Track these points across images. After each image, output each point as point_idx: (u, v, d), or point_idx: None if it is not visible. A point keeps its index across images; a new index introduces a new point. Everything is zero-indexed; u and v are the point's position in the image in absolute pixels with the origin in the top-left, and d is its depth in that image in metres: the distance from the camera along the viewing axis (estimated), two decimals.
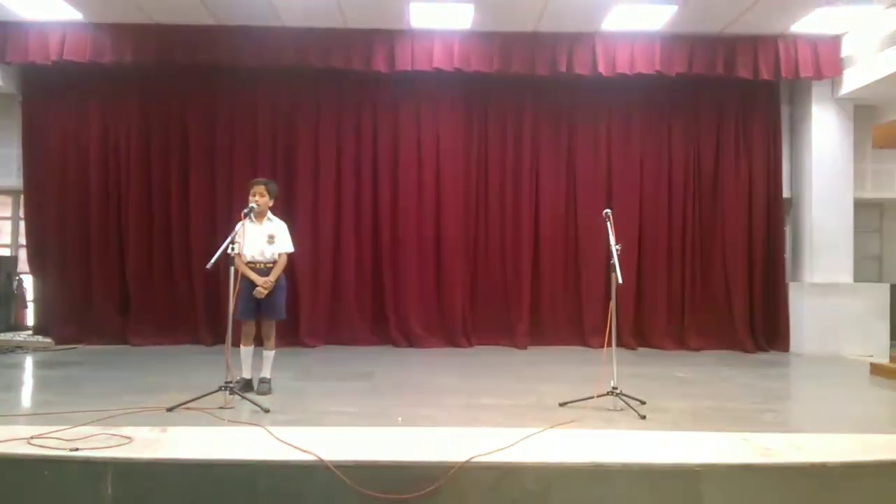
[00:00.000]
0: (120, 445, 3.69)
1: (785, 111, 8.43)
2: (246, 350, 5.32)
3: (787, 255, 8.37)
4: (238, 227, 4.98)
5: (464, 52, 7.47)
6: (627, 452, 3.76)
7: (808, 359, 7.70)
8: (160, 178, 7.91)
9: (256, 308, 5.27)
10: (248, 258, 5.23)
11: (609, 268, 5.07)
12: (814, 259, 8.10)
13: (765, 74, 7.61)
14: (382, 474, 3.51)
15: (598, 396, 4.89)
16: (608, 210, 5.25)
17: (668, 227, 8.21)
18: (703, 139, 8.28)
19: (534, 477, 3.56)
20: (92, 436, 3.82)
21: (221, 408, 4.61)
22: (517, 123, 8.22)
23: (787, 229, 8.43)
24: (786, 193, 8.38)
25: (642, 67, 7.53)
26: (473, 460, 3.55)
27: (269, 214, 5.39)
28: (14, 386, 5.85)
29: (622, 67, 7.52)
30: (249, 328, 5.33)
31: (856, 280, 8.19)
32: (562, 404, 4.95)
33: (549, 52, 7.52)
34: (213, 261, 4.63)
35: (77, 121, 7.91)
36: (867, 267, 9.08)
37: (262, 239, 5.27)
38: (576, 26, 7.39)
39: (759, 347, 8.06)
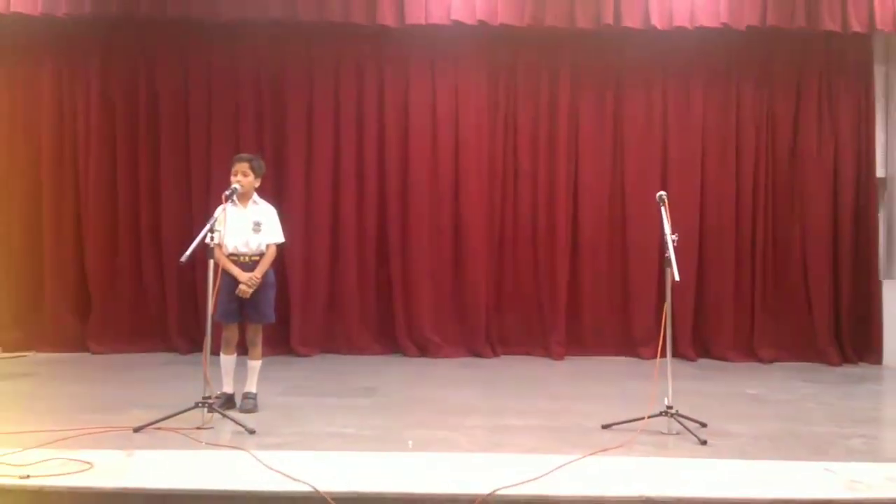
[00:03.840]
0: (78, 472, 3.75)
1: (879, 72, 8.29)
2: (227, 359, 5.37)
3: (881, 247, 8.28)
4: (218, 212, 5.04)
5: (489, 0, 7.44)
6: (684, 485, 3.76)
7: None
8: (125, 154, 7.94)
9: (239, 309, 5.33)
10: (230, 249, 5.29)
11: (663, 262, 5.04)
12: None
13: (855, 26, 7.49)
14: None
15: (649, 417, 4.89)
16: (662, 193, 5.25)
17: (735, 212, 8.13)
18: (778, 107, 8.18)
19: None
20: (45, 461, 3.88)
21: (199, 428, 4.68)
22: (552, 89, 8.16)
23: (881, 216, 8.31)
24: (879, 173, 8.26)
25: (705, 20, 7.46)
26: (498, 493, 3.57)
27: (255, 197, 5.44)
28: None
29: (681, 19, 7.45)
30: (231, 333, 5.38)
31: None
32: (605, 426, 4.97)
33: (593, 1, 7.48)
34: (188, 253, 4.69)
35: (26, 86, 7.96)
36: None
37: (246, 226, 5.32)
38: None
39: (846, 359, 7.99)
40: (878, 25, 7.52)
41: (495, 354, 8.04)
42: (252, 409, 5.29)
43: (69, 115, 7.98)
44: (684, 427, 4.81)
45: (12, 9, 7.29)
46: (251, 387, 5.40)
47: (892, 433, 5.69)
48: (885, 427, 5.87)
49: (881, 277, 8.20)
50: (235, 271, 5.23)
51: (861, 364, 7.98)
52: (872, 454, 4.67)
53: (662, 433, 4.82)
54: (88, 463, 3.86)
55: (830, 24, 7.50)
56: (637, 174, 8.13)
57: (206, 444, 4.39)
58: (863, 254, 8.14)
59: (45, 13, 7.34)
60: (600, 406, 5.58)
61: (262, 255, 5.35)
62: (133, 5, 7.38)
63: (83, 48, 7.95)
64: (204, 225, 4.90)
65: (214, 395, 5.04)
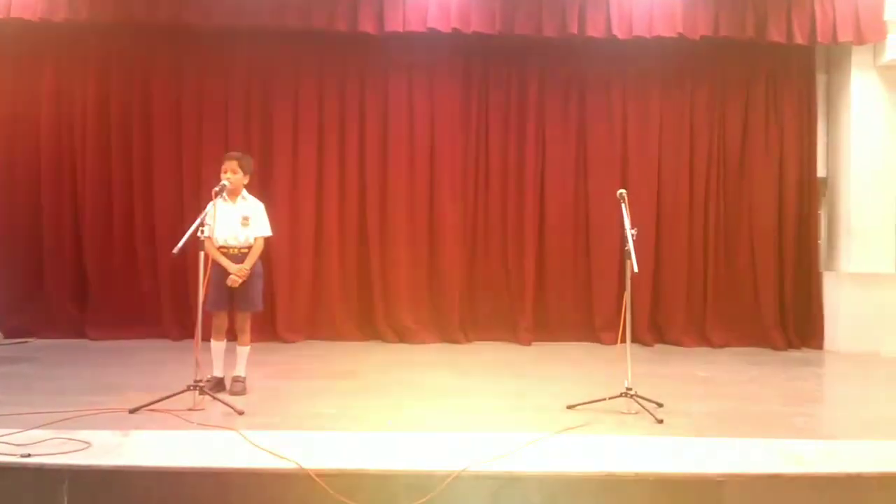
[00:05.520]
0: (77, 451, 3.71)
1: (821, 80, 8.42)
2: (217, 345, 5.32)
3: (822, 241, 8.40)
4: (208, 207, 4.97)
5: (462, 10, 7.42)
6: (642, 460, 3.79)
7: (843, 357, 7.74)
8: (120, 152, 7.86)
9: (229, 298, 5.27)
10: (220, 242, 5.23)
11: (623, 255, 5.07)
12: (851, 246, 8.11)
13: (799, 38, 7.59)
14: (369, 483, 3.53)
15: (610, 398, 4.92)
16: (623, 190, 5.28)
17: (689, 209, 8.22)
18: (728, 112, 8.28)
19: (537, 487, 3.58)
20: (46, 440, 3.84)
21: (190, 409, 4.64)
22: (521, 93, 8.19)
23: (822, 213, 8.44)
24: (821, 173, 8.39)
25: (662, 30, 7.50)
26: (470, 469, 3.57)
27: (244, 193, 5.39)
28: None
29: (640, 29, 7.49)
30: (221, 321, 5.32)
31: None
32: (569, 407, 4.98)
33: (559, 10, 7.49)
34: (180, 245, 4.63)
35: (26, 87, 7.83)
36: None
37: (235, 221, 5.27)
38: None
39: (790, 344, 8.09)
40: (819, 39, 7.63)
41: (468, 340, 8.05)
42: (241, 392, 5.25)
43: (66, 114, 7.89)
44: (642, 407, 4.84)
45: (12, 14, 7.18)
46: (240, 371, 5.36)
47: (833, 412, 5.78)
48: (826, 406, 5.96)
49: (822, 269, 8.33)
50: (225, 262, 5.18)
51: (804, 349, 8.09)
52: (814, 431, 4.72)
53: (622, 413, 4.84)
54: (86, 442, 3.82)
55: (777, 36, 7.60)
56: (599, 173, 8.18)
57: (198, 424, 4.35)
58: (805, 247, 8.26)
59: (44, 18, 7.22)
60: (565, 388, 5.59)
61: (250, 247, 5.30)
62: (128, 11, 7.29)
63: (80, 51, 7.85)
64: (195, 219, 4.84)
65: (205, 379, 4.98)
